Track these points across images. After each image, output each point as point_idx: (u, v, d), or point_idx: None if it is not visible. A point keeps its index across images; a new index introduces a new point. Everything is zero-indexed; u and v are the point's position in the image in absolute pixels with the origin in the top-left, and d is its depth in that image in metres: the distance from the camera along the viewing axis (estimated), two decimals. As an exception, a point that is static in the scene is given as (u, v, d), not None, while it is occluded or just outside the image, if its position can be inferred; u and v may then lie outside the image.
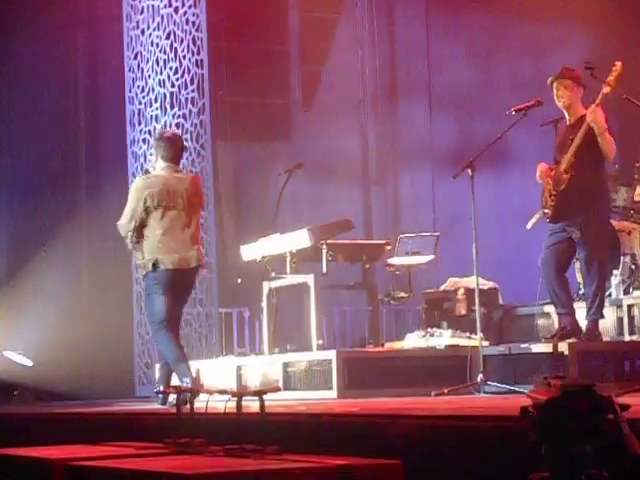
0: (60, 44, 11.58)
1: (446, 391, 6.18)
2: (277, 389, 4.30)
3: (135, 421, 5.54)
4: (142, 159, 10.89)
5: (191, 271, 6.80)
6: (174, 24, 10.38)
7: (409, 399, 5.98)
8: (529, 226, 7.10)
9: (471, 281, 7.36)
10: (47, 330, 10.76)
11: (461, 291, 8.18)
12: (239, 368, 7.60)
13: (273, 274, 7.96)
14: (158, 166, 6.91)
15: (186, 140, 10.34)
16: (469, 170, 6.60)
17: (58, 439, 4.62)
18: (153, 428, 4.92)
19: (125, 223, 6.78)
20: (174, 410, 4.32)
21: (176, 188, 6.77)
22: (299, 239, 7.62)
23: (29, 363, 11.01)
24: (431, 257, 8.20)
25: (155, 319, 6.77)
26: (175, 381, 6.79)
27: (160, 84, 10.59)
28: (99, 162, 11.90)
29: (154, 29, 10.59)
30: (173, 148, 6.88)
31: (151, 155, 7.10)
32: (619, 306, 7.47)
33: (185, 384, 6.37)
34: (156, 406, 6.80)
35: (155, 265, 6.64)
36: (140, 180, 6.99)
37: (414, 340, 7.52)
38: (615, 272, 7.71)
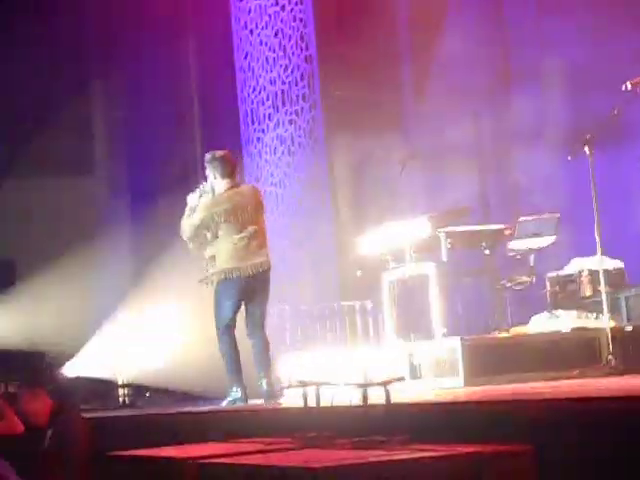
0: (172, 48, 11.78)
1: (575, 374, 6.08)
2: (401, 378, 4.29)
3: (263, 417, 5.59)
4: (257, 157, 11.00)
5: (264, 274, 7.40)
6: (281, 22, 10.44)
7: (537, 383, 5.89)
8: None
9: (595, 261, 7.21)
10: (176, 330, 10.95)
11: (585, 272, 8.02)
12: (364, 360, 7.58)
13: (392, 265, 7.93)
14: (218, 184, 7.38)
15: (300, 136, 10.41)
16: (586, 148, 6.46)
17: (190, 438, 4.69)
18: (281, 423, 4.95)
19: (190, 229, 7.39)
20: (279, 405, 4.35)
21: (241, 202, 7.36)
22: (418, 228, 7.57)
23: (160, 365, 11.23)
24: (552, 238, 8.06)
25: (221, 323, 7.29)
26: (301, 375, 6.93)
27: (271, 82, 10.66)
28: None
29: (262, 28, 10.67)
30: (229, 165, 7.43)
31: (207, 176, 7.50)
32: None
33: (233, 392, 7.16)
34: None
35: (231, 273, 7.24)
36: (209, 198, 7.40)
37: (539, 323, 7.40)
38: None
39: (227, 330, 7.29)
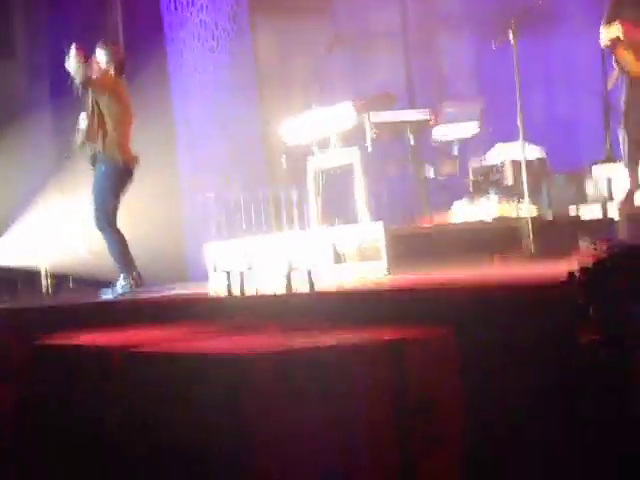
0: None
1: (495, 261, 6.18)
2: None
3: (187, 304, 5.61)
4: (181, 44, 10.80)
5: None
6: None
7: (458, 270, 5.99)
8: (610, 86, 7.00)
9: (518, 148, 7.27)
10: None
11: (508, 162, 8.10)
12: (288, 247, 7.61)
13: (317, 152, 7.92)
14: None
15: (224, 21, 10.23)
16: (510, 34, 6.45)
17: (115, 324, 4.70)
18: (206, 311, 4.98)
19: None
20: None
21: None
22: (342, 114, 7.54)
23: (87, 255, 11.18)
24: (476, 123, 8.09)
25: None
26: (226, 262, 6.99)
27: (194, -36, 10.43)
28: (138, 46, 11.81)
29: None
30: None
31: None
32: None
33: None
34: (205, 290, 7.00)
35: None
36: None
37: (461, 209, 7.49)
38: None
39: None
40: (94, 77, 7.51)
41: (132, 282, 7.59)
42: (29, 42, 12.37)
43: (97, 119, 7.57)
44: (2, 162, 11.53)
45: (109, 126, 7.59)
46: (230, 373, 2.90)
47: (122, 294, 7.56)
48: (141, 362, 3.39)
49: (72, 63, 7.33)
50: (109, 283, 7.84)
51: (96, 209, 7.61)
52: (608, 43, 6.71)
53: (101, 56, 7.67)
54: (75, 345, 4.07)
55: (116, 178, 7.60)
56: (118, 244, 7.61)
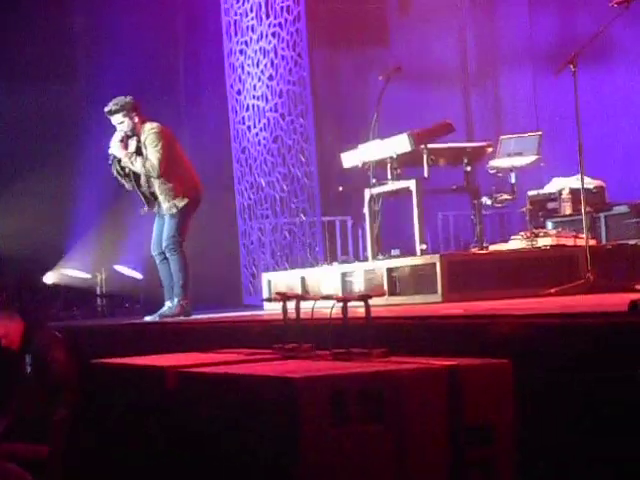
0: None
1: (553, 291, 6.12)
2: (382, 293, 4.32)
3: (243, 329, 5.62)
4: (240, 70, 10.89)
5: None
6: None
7: (514, 300, 5.94)
8: None
9: (576, 180, 7.22)
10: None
11: (566, 191, 8.04)
12: (344, 275, 7.63)
13: (374, 181, 7.92)
14: (140, 124, 7.84)
15: (283, 49, 10.30)
16: (571, 66, 6.42)
17: (170, 348, 4.72)
18: (261, 335, 4.99)
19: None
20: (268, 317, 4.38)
21: None
22: (399, 144, 7.55)
23: (139, 276, 11.27)
24: (534, 157, 8.05)
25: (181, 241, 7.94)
26: (281, 289, 7.00)
27: (254, -7, 10.53)
28: (198, 74, 11.96)
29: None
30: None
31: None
32: None
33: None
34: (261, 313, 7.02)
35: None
36: (158, 134, 7.84)
37: (519, 242, 7.44)
38: None
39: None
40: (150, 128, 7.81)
41: (183, 308, 7.66)
42: (90, 68, 12.56)
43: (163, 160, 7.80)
44: (63, 185, 11.68)
45: (174, 169, 7.85)
46: (286, 396, 2.89)
47: (164, 316, 7.69)
48: (196, 382, 3.40)
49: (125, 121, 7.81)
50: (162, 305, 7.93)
51: (169, 235, 7.82)
52: None
53: (125, 116, 7.88)
54: (129, 364, 4.08)
55: (189, 210, 7.93)
56: (184, 268, 7.83)
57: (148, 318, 7.88)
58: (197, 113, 11.67)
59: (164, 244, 7.83)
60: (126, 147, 7.83)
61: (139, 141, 7.83)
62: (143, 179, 7.90)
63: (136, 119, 7.82)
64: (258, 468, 2.97)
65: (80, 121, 12.20)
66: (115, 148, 7.84)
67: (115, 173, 7.99)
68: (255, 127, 11.03)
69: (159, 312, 7.84)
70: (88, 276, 11.37)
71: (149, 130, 7.78)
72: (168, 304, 7.85)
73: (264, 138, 10.95)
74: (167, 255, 7.84)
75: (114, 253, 11.45)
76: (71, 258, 11.74)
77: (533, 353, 3.39)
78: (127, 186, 8.06)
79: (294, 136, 10.69)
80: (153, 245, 7.99)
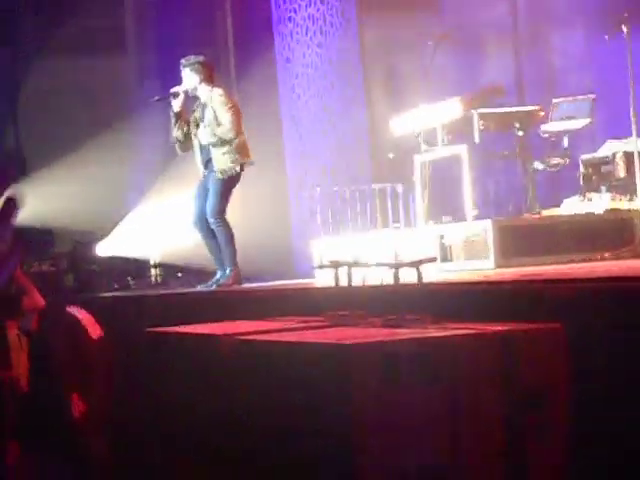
0: None
1: (607, 255, 6.07)
2: (433, 259, 4.31)
3: (295, 296, 5.65)
4: (289, 38, 10.87)
5: None
6: None
7: (568, 265, 5.90)
8: None
9: (630, 143, 7.13)
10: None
11: (620, 154, 7.94)
12: (395, 241, 7.62)
13: (425, 147, 7.88)
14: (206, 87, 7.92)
15: (331, 16, 10.26)
16: (624, 27, 6.33)
17: (222, 317, 4.76)
18: (313, 303, 5.01)
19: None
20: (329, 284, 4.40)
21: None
22: (449, 109, 7.50)
23: (192, 244, 11.34)
24: (587, 121, 7.97)
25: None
26: (332, 256, 7.01)
27: (302, -39, 10.48)
28: (247, 43, 11.94)
29: None
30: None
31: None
32: None
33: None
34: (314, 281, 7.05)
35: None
36: (226, 96, 7.98)
37: (572, 205, 7.38)
38: None
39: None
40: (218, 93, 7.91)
41: (236, 277, 7.74)
42: (140, 41, 12.61)
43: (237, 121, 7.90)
44: (115, 157, 11.77)
45: (230, 135, 7.86)
46: (339, 361, 2.91)
47: (219, 285, 7.74)
48: (250, 350, 3.43)
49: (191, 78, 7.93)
50: (214, 274, 8.00)
51: (215, 204, 7.85)
52: None
53: (193, 74, 7.95)
54: (184, 333, 4.13)
55: (234, 180, 7.95)
56: (232, 238, 7.87)
57: (201, 287, 7.94)
58: (246, 82, 11.66)
59: (210, 217, 7.86)
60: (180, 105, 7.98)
61: (199, 105, 7.97)
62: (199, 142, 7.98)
63: (201, 79, 7.90)
64: (313, 433, 2.99)
65: (132, 92, 12.28)
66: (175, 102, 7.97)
67: (176, 132, 8.06)
68: (305, 95, 11.01)
69: (212, 281, 7.90)
70: (142, 247, 11.47)
71: (218, 95, 7.88)
72: (220, 273, 7.90)
73: (314, 106, 10.93)
74: (213, 227, 7.87)
75: (168, 223, 11.53)
76: (126, 228, 11.84)
77: (586, 318, 3.38)
78: (180, 149, 8.16)
79: (344, 104, 10.66)
80: (195, 218, 8.00)
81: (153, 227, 11.52)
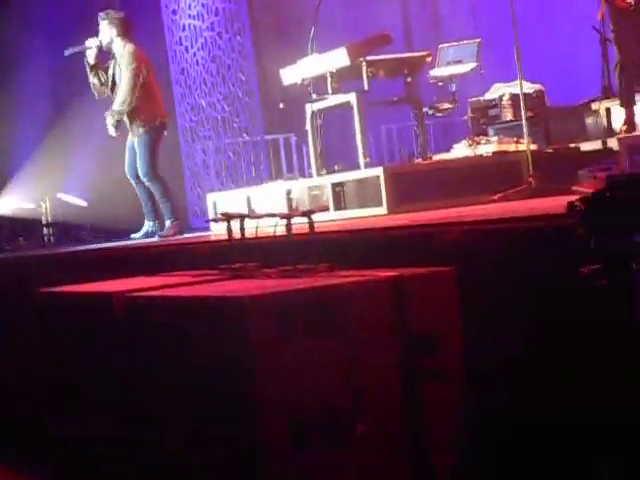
0: None
1: (496, 197, 6.16)
2: (325, 208, 4.31)
3: (189, 251, 5.61)
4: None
5: None
6: None
7: (459, 208, 5.97)
8: (599, 18, 7.13)
9: (516, 86, 7.23)
10: (99, 171, 10.85)
11: (506, 97, 8.05)
12: (288, 192, 7.62)
13: (315, 96, 7.86)
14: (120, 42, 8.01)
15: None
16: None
17: (116, 274, 4.70)
18: (207, 256, 4.98)
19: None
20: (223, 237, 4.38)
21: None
22: (337, 58, 7.48)
23: (84, 204, 11.17)
24: (474, 65, 8.04)
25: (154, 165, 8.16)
26: (227, 210, 6.99)
27: None
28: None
29: None
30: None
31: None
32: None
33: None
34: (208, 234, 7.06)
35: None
36: (135, 52, 8.03)
37: (461, 150, 7.46)
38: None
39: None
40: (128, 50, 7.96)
41: (178, 228, 8.10)
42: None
43: (135, 86, 7.96)
44: (2, 111, 11.48)
45: (144, 92, 7.99)
46: (233, 314, 2.90)
47: (160, 236, 8.02)
48: (142, 307, 3.39)
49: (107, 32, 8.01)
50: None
51: (143, 162, 8.05)
52: None
53: (109, 27, 8.04)
54: (75, 292, 4.07)
55: (157, 134, 8.13)
56: (166, 192, 8.16)
57: (135, 236, 8.19)
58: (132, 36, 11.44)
59: (141, 173, 8.06)
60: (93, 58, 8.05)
61: (114, 61, 8.05)
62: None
63: (117, 33, 7.99)
64: (214, 387, 2.99)
65: (15, 46, 11.94)
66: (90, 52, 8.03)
67: (92, 79, 8.14)
68: (192, 47, 10.88)
69: (144, 232, 8.15)
70: (32, 205, 11.25)
71: (128, 52, 7.96)
72: (150, 224, 8.18)
73: (202, 58, 10.81)
74: (147, 184, 8.09)
75: (58, 181, 11.32)
76: (14, 187, 11.59)
77: (477, 260, 3.42)
78: (98, 94, 8.24)
79: (233, 55, 10.57)
80: (127, 168, 8.20)
81: (44, 185, 11.29)
